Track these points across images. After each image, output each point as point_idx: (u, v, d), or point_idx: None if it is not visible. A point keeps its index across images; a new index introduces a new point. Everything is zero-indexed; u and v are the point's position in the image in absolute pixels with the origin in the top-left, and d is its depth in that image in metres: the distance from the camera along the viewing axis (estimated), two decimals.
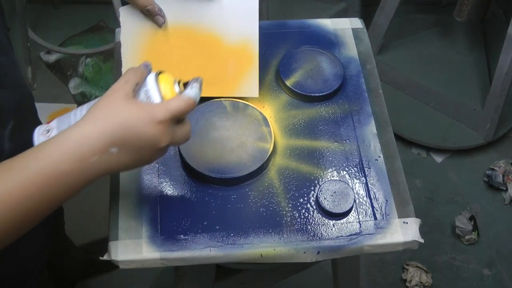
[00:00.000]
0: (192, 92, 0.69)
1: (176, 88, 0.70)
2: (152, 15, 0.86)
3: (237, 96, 0.92)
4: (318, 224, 0.81)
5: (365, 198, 0.84)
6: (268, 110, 0.93)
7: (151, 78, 0.70)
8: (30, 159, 0.60)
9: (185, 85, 0.71)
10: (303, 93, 0.94)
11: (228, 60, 0.91)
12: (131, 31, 0.88)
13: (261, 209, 0.82)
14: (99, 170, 0.63)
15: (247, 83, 0.92)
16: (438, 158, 1.91)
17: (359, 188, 0.85)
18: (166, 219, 0.81)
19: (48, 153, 0.60)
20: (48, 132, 0.71)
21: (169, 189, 0.84)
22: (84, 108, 0.72)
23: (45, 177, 0.59)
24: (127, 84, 0.67)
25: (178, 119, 0.68)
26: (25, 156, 0.61)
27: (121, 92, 0.65)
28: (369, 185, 0.85)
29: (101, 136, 0.62)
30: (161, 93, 0.69)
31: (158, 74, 0.71)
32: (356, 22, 1.04)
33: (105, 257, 0.78)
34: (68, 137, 0.62)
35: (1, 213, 0.57)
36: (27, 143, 0.81)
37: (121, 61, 0.95)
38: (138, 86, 0.68)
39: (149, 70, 0.71)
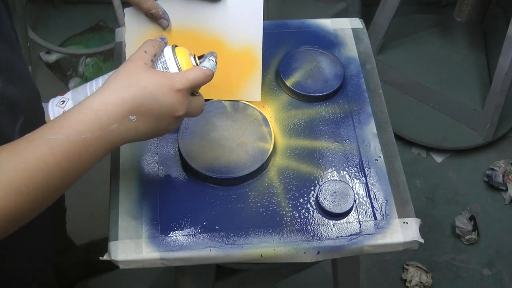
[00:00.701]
0: (209, 64, 0.72)
1: (192, 61, 0.73)
2: (156, 19, 0.87)
3: (239, 100, 0.92)
4: (318, 224, 0.81)
5: (365, 198, 0.84)
6: (268, 110, 0.93)
7: (168, 50, 0.72)
8: (53, 130, 0.61)
9: (200, 58, 0.75)
10: (303, 93, 0.94)
11: (231, 64, 0.91)
12: (135, 32, 0.89)
13: (261, 209, 0.82)
14: (118, 139, 0.65)
15: (250, 87, 0.92)
16: (438, 158, 1.91)
17: (359, 188, 0.85)
18: (166, 219, 0.81)
19: (71, 122, 0.62)
20: (63, 103, 0.73)
21: (169, 189, 0.84)
22: (100, 80, 0.73)
23: (69, 146, 0.61)
24: (146, 54, 0.69)
25: (193, 91, 0.71)
26: (49, 127, 0.62)
27: (141, 61, 0.67)
28: (369, 185, 0.85)
29: (121, 103, 0.63)
30: (178, 64, 0.71)
31: (174, 47, 0.73)
32: (356, 22, 1.04)
33: (105, 257, 0.78)
34: (90, 105, 0.63)
35: (29, 183, 0.58)
36: None
37: (121, 61, 0.96)
38: (156, 57, 0.70)
39: (165, 43, 0.73)
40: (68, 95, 0.74)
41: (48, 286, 1.21)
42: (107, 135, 0.63)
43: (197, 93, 0.73)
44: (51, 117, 0.73)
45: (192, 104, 0.70)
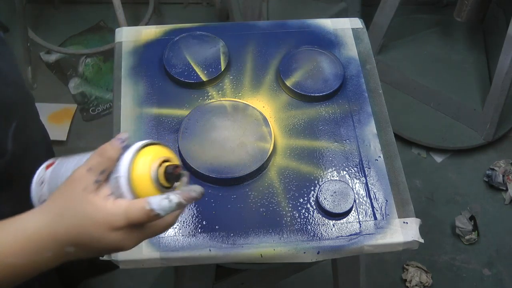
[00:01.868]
0: (160, 205, 0.55)
1: (154, 181, 0.57)
2: None
3: None
4: (318, 224, 0.81)
5: (365, 198, 0.84)
6: (268, 110, 0.93)
7: (125, 165, 0.56)
8: None
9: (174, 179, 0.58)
10: (303, 93, 0.94)
11: None
12: None
13: (261, 209, 0.82)
14: (56, 262, 0.59)
15: None
16: (438, 158, 1.91)
17: (359, 188, 0.85)
18: None
19: (1, 244, 0.57)
20: (42, 184, 0.66)
21: None
22: (78, 159, 0.63)
23: None
24: (89, 173, 0.57)
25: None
26: None
27: (80, 184, 0.57)
28: (369, 185, 0.85)
29: (54, 237, 0.57)
30: (133, 189, 0.56)
31: (134, 157, 0.57)
32: (356, 22, 1.04)
33: (105, 257, 0.78)
34: (24, 229, 0.57)
35: None
36: (28, 144, 0.80)
37: (121, 61, 0.96)
38: (106, 172, 0.57)
39: (124, 148, 0.58)
40: (48, 174, 0.65)
41: (50, 285, 1.21)
42: (41, 261, 0.58)
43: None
44: (33, 195, 0.66)
45: (147, 231, 0.59)
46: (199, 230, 0.80)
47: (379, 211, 0.83)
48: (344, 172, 0.87)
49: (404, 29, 2.07)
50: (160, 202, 0.55)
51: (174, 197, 0.56)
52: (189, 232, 0.80)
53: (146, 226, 0.58)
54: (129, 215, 0.56)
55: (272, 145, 0.87)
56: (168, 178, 0.58)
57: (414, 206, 0.84)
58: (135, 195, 0.57)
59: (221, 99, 0.93)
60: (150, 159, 0.57)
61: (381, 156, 0.88)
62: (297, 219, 0.82)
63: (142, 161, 0.57)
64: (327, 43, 1.01)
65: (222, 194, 0.84)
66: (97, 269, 1.59)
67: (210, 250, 0.78)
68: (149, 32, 1.01)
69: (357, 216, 0.82)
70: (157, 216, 0.56)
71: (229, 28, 1.04)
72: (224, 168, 0.84)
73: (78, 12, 2.18)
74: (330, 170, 0.87)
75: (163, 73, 0.96)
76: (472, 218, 1.73)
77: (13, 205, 0.69)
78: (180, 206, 0.56)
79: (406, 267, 1.66)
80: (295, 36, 1.02)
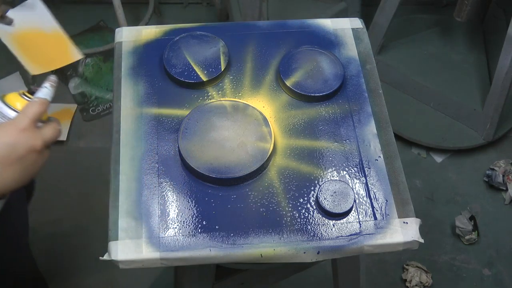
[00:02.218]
0: (42, 93, 0.79)
1: (25, 98, 0.79)
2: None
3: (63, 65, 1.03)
4: (318, 224, 0.81)
5: (365, 198, 0.84)
6: (268, 110, 0.93)
7: (1, 104, 0.78)
8: None
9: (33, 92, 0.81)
10: (303, 93, 0.94)
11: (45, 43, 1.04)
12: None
13: (261, 209, 0.82)
14: None
15: (63, 50, 1.03)
16: (438, 158, 1.91)
17: (359, 188, 0.85)
18: (166, 219, 0.81)
19: None
20: None
21: (169, 189, 0.84)
22: None
23: None
24: None
25: (40, 121, 0.77)
26: None
27: None
28: (369, 185, 0.85)
29: None
30: (12, 108, 0.78)
31: (3, 96, 0.79)
32: (356, 22, 1.04)
33: (105, 257, 0.78)
34: None
35: None
36: None
37: (121, 61, 0.96)
38: None
39: None
40: None
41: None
42: None
43: (47, 119, 0.79)
44: None
45: (45, 132, 0.76)
46: (199, 230, 0.80)
47: (379, 211, 0.83)
48: (344, 172, 0.87)
49: (404, 29, 2.07)
50: (41, 92, 0.79)
51: (44, 84, 0.79)
52: (189, 232, 0.80)
53: (42, 128, 0.75)
54: (28, 113, 0.74)
55: (272, 145, 0.87)
56: (33, 92, 0.80)
57: (414, 206, 0.84)
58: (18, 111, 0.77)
59: (221, 99, 0.93)
60: (12, 94, 0.79)
61: (381, 156, 0.88)
62: (297, 219, 0.82)
63: (11, 96, 0.79)
64: (327, 43, 1.01)
65: (222, 194, 0.84)
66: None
67: (210, 250, 0.78)
68: (149, 32, 1.01)
69: (357, 216, 0.82)
70: (46, 102, 0.77)
71: (229, 28, 1.04)
72: (224, 168, 0.84)
73: (78, 12, 2.18)
74: (330, 170, 0.87)
75: (163, 73, 0.96)
76: (472, 218, 1.74)
77: None
78: (52, 86, 0.80)
79: (406, 267, 1.66)
80: (295, 36, 1.02)
